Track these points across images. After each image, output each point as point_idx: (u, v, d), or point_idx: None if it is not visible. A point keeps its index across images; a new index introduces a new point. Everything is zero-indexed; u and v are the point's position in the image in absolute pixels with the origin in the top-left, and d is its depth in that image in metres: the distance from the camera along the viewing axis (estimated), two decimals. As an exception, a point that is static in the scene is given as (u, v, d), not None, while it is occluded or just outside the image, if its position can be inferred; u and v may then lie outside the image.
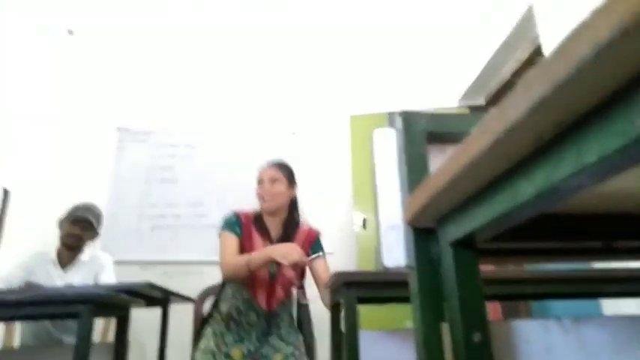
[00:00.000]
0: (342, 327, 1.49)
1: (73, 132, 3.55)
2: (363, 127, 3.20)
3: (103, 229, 3.00)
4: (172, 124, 3.60)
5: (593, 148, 0.30)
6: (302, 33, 3.90)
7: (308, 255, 1.84)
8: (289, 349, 1.81)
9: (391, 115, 3.04)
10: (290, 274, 1.76)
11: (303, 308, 1.95)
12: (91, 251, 2.44)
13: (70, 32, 3.76)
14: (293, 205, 1.95)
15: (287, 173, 1.92)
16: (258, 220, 1.90)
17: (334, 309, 1.78)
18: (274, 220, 1.90)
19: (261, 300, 1.80)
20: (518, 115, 0.33)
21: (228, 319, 1.80)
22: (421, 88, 3.67)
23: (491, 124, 0.37)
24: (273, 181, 1.87)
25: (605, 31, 0.24)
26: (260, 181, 1.90)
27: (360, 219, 3.12)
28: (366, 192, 3.01)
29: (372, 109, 3.32)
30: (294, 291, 1.89)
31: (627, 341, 0.60)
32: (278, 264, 1.73)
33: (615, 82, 0.27)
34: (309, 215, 3.43)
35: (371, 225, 2.99)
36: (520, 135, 0.35)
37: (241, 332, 1.79)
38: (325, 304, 1.76)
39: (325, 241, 3.30)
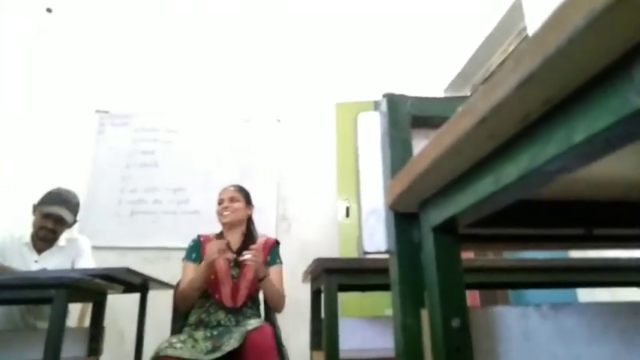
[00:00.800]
0: (323, 313, 1.49)
1: (51, 114, 3.44)
2: (348, 115, 3.18)
3: (82, 213, 2.94)
4: (154, 107, 3.52)
5: (583, 126, 0.28)
6: (288, 21, 3.85)
7: (266, 262, 2.06)
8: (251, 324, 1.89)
9: (377, 103, 3.03)
10: (250, 275, 2.00)
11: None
12: (68, 234, 2.38)
13: (49, 10, 3.64)
14: (250, 222, 2.22)
15: (245, 195, 2.20)
16: (219, 237, 2.14)
17: (315, 295, 1.78)
18: (234, 234, 2.14)
19: (226, 298, 1.97)
20: (505, 92, 0.32)
21: (197, 325, 1.94)
22: (407, 77, 3.66)
23: (477, 103, 0.36)
24: (232, 200, 2.14)
25: (600, -1, 0.22)
26: (220, 202, 2.16)
27: (344, 207, 3.12)
28: (350, 179, 3.00)
29: (357, 97, 3.30)
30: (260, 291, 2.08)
31: (603, 328, 0.60)
32: (239, 267, 2.01)
33: (608, 55, 0.25)
34: (293, 203, 3.43)
35: (354, 214, 2.99)
36: (506, 114, 0.34)
37: (210, 329, 1.92)
38: (276, 310, 2.05)
39: (308, 229, 3.33)
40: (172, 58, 3.68)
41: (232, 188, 2.19)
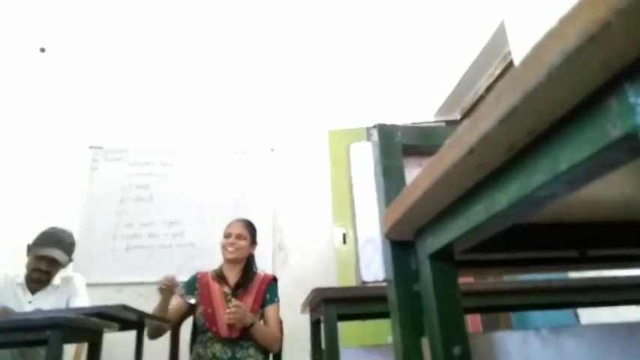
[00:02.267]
0: (323, 344, 1.47)
1: (44, 150, 3.45)
2: (341, 142, 3.21)
3: (77, 251, 2.90)
4: (147, 141, 3.54)
5: (566, 156, 0.30)
6: (279, 50, 3.93)
7: (263, 298, 2.12)
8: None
9: (369, 129, 3.07)
10: (247, 307, 2.02)
11: None
12: (62, 273, 2.34)
13: (42, 50, 3.70)
14: (251, 258, 2.25)
15: (251, 232, 2.23)
16: (217, 273, 2.18)
17: (314, 326, 1.76)
18: (234, 269, 2.18)
19: (223, 329, 1.99)
20: (490, 125, 0.33)
21: None
22: (397, 103, 3.73)
23: (464, 135, 0.37)
24: (239, 237, 2.16)
25: (572, 39, 0.24)
26: (228, 235, 2.18)
27: (340, 234, 3.11)
28: (346, 207, 3.00)
29: (349, 124, 3.34)
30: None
31: (605, 349, 0.60)
32: (235, 297, 2.06)
33: (585, 88, 0.27)
34: (289, 232, 3.42)
35: (350, 240, 2.98)
36: (493, 145, 0.35)
37: None
38: (271, 351, 2.07)
39: (305, 257, 3.30)
40: (164, 92, 3.72)
41: (241, 224, 2.21)
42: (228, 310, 1.92)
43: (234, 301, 1.97)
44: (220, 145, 3.57)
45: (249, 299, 2.10)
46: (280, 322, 2.18)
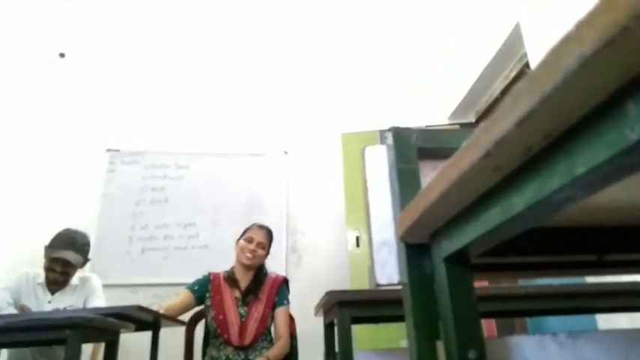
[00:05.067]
0: (337, 347, 1.47)
1: (63, 153, 3.52)
2: (354, 145, 3.21)
3: (93, 252, 2.95)
4: (163, 144, 3.59)
5: (583, 159, 0.30)
6: (292, 54, 3.95)
7: (274, 302, 2.14)
8: None
9: (382, 132, 3.06)
10: (259, 315, 2.07)
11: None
12: (80, 273, 2.39)
13: (62, 55, 3.78)
14: (262, 265, 2.27)
15: (270, 242, 2.27)
16: (229, 275, 2.20)
17: (328, 328, 1.76)
18: (246, 274, 2.19)
19: (234, 337, 2.01)
20: (507, 128, 0.33)
21: None
22: (411, 105, 3.72)
23: (481, 138, 0.37)
24: (260, 245, 2.19)
25: (589, 43, 0.24)
26: (250, 240, 2.19)
27: (353, 237, 3.10)
28: (359, 209, 3.00)
29: (363, 127, 3.34)
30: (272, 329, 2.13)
31: (623, 356, 0.59)
32: (247, 305, 2.09)
33: (602, 92, 0.27)
34: (303, 235, 3.43)
35: (364, 243, 2.98)
36: (510, 147, 0.35)
37: None
38: (278, 350, 2.03)
39: (319, 260, 3.31)
40: (180, 95, 3.77)
41: (264, 233, 2.24)
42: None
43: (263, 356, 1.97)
44: (234, 148, 3.60)
45: (260, 305, 2.12)
46: (292, 320, 2.20)
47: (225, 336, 2.02)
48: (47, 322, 1.35)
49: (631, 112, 0.26)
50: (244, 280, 2.18)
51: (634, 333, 0.65)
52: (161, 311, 2.01)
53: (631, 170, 0.28)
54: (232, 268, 2.24)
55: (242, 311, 2.09)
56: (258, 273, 2.21)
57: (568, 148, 0.31)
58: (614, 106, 0.27)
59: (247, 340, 2.02)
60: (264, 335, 2.09)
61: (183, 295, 2.15)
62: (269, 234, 2.27)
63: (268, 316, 2.10)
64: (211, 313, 2.09)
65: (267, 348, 2.05)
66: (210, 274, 2.24)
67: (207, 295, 2.16)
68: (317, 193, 3.54)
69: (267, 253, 2.25)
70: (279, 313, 2.12)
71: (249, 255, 2.14)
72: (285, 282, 2.24)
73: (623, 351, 0.62)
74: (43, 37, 3.69)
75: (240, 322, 2.05)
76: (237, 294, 2.14)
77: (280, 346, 2.03)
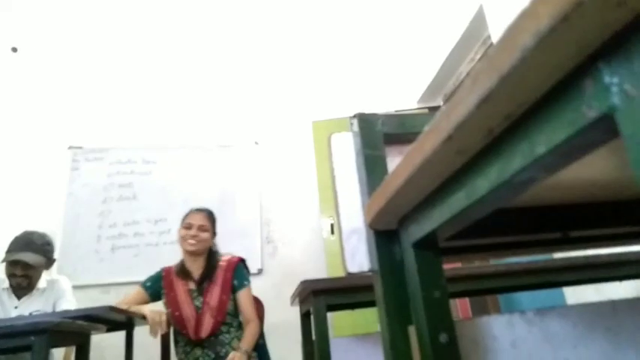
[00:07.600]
0: (314, 335, 1.47)
1: (22, 152, 3.37)
2: (325, 133, 3.20)
3: (60, 253, 2.85)
4: (128, 139, 3.47)
5: (543, 139, 0.29)
6: (260, 43, 3.88)
7: (231, 285, 2.04)
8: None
9: (351, 119, 3.06)
10: (215, 302, 1.98)
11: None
12: (47, 276, 2.30)
13: (14, 50, 3.59)
14: (212, 247, 2.15)
15: (212, 223, 2.14)
16: (180, 267, 2.10)
17: (305, 317, 1.76)
18: (196, 262, 2.08)
19: (191, 332, 1.95)
20: (467, 110, 0.32)
21: None
22: (380, 91, 3.72)
23: (442, 122, 0.37)
24: (201, 228, 2.06)
25: (545, 19, 0.23)
26: (188, 226, 2.07)
27: (328, 224, 3.11)
28: (332, 197, 3.01)
29: (333, 114, 3.33)
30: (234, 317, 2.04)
31: (589, 329, 0.60)
32: (202, 295, 2.00)
33: (560, 70, 0.26)
34: (277, 225, 3.41)
35: (339, 230, 2.99)
36: (471, 130, 0.34)
37: None
38: (251, 337, 1.94)
39: (294, 250, 3.30)
40: (143, 88, 3.66)
41: (203, 215, 2.11)
42: None
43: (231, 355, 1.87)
44: (204, 140, 3.53)
45: (216, 290, 2.01)
46: (257, 302, 2.14)
47: (184, 332, 1.95)
48: (11, 329, 1.29)
49: (588, 90, 0.25)
50: (196, 268, 2.07)
51: (599, 306, 0.67)
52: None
53: (591, 148, 0.28)
54: (182, 260, 2.12)
55: (198, 303, 2.00)
56: (210, 258, 2.09)
57: (528, 129, 0.31)
58: (572, 84, 0.26)
59: (204, 333, 1.93)
60: (226, 325, 2.00)
61: (136, 292, 2.07)
62: (209, 215, 2.14)
63: (226, 303, 1.99)
64: (168, 311, 2.01)
65: (238, 337, 1.97)
66: (162, 269, 2.14)
67: (162, 291, 2.07)
68: (290, 182, 3.51)
69: (214, 234, 2.13)
70: (242, 295, 2.01)
71: (191, 241, 2.02)
72: (241, 262, 2.13)
73: (588, 324, 0.63)
74: (-7, 31, 3.50)
75: (196, 315, 1.97)
76: (192, 285, 2.04)
77: (251, 332, 1.94)
